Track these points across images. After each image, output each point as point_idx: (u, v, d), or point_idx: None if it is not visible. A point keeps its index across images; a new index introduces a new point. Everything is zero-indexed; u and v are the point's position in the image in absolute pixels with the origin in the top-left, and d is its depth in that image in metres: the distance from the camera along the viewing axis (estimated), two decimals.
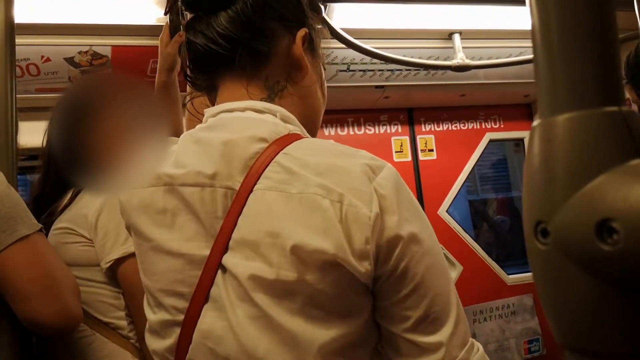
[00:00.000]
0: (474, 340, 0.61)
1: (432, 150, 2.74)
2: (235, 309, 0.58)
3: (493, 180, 3.28)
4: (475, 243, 2.71)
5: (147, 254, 0.65)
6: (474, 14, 2.07)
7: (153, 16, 1.70)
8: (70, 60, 1.80)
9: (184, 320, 0.61)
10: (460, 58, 2.08)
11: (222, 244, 0.59)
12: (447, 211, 2.68)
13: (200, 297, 0.60)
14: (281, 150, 0.61)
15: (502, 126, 2.88)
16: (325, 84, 0.78)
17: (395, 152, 2.67)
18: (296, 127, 0.67)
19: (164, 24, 1.30)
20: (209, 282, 0.60)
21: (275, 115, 0.66)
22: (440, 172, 2.71)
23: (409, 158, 2.69)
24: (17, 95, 1.00)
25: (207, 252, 0.60)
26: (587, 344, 0.27)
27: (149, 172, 0.66)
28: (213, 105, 0.72)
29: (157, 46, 1.30)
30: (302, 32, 0.71)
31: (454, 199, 2.73)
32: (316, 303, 0.56)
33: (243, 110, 0.67)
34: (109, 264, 1.05)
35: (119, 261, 1.05)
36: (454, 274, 2.64)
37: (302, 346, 0.56)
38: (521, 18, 2.06)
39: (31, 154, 2.01)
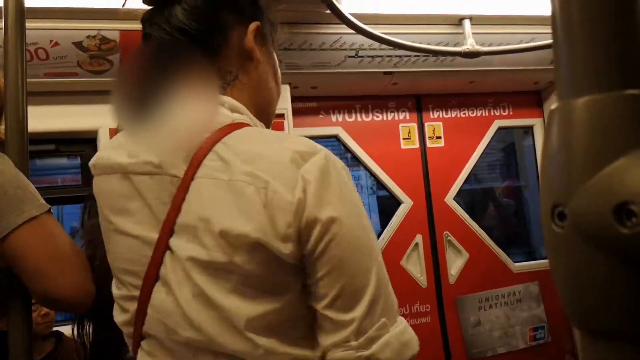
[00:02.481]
0: (401, 318, 0.65)
1: (440, 137, 2.72)
2: (181, 287, 0.65)
3: (500, 168, 3.26)
4: (482, 230, 2.71)
5: (110, 235, 0.73)
6: None
7: None
8: (78, 45, 1.80)
9: (139, 296, 0.68)
10: (470, 44, 2.06)
11: (168, 228, 0.66)
12: (454, 199, 2.67)
13: (151, 275, 0.67)
14: (221, 139, 0.66)
15: (511, 113, 2.85)
16: (280, 76, 0.83)
17: (403, 139, 2.66)
18: (244, 117, 0.72)
19: None
20: (158, 262, 0.67)
21: (223, 106, 0.71)
22: (448, 159, 2.70)
23: (417, 145, 2.68)
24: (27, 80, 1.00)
25: (156, 235, 0.67)
26: (603, 326, 0.27)
27: (106, 160, 0.72)
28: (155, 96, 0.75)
29: None
30: (253, 26, 0.76)
31: (462, 186, 2.72)
32: (248, 282, 0.63)
33: (192, 101, 0.71)
34: None
35: None
36: (460, 261, 2.64)
37: (233, 321, 0.62)
38: (533, 4, 2.03)
39: (39, 138, 2.02)
